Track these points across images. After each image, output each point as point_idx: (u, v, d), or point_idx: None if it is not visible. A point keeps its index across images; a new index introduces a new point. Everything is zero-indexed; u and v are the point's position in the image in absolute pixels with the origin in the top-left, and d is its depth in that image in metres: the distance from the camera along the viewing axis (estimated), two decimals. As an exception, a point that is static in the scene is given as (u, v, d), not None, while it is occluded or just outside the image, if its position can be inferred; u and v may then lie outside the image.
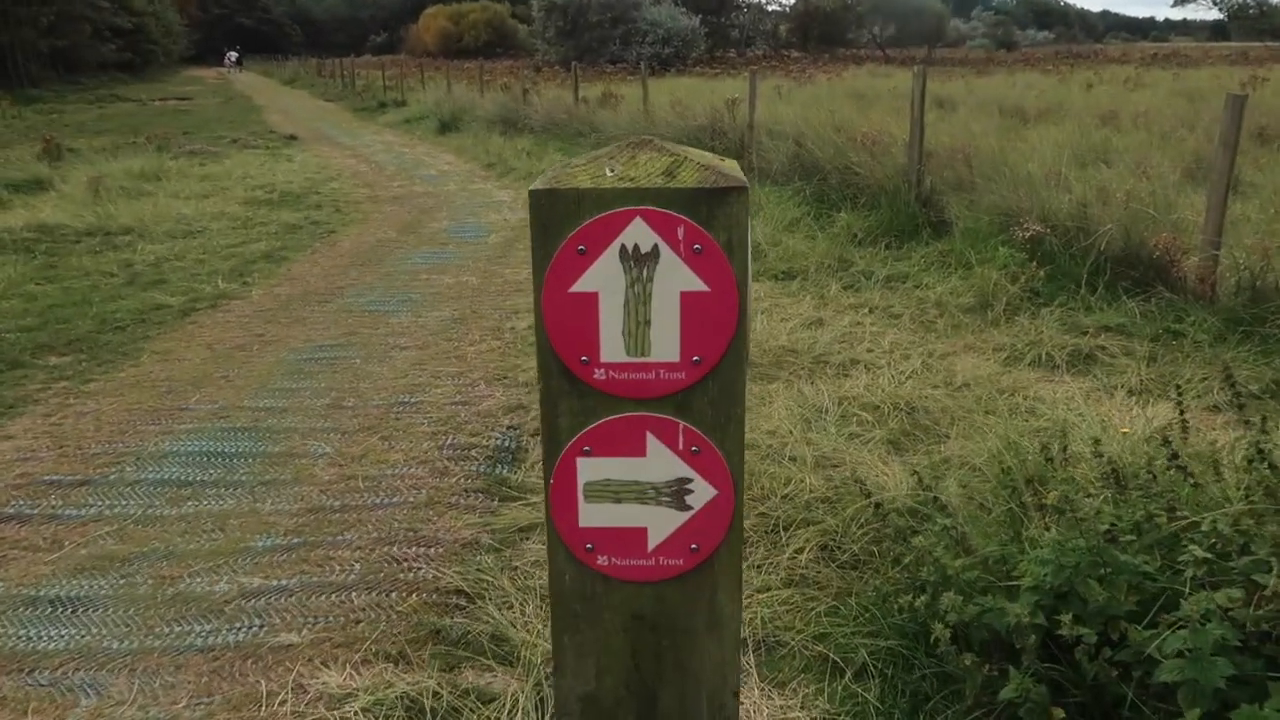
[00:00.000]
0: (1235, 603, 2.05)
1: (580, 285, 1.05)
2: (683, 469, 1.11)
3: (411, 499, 3.52)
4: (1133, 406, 4.33)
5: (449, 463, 3.85)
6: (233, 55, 67.53)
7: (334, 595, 2.86)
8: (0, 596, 2.90)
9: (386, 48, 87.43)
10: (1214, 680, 1.84)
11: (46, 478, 3.73)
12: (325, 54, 68.47)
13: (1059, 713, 2.03)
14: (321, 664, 2.55)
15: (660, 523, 1.13)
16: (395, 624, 2.73)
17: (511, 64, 45.96)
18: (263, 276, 7.32)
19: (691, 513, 1.13)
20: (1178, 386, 3.23)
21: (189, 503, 3.51)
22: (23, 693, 2.46)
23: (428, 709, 2.33)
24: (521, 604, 2.78)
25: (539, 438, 2.28)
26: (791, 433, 4.02)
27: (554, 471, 1.12)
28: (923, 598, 2.51)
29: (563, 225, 1.04)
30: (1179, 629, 1.99)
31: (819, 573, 3.04)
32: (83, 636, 2.68)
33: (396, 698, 2.36)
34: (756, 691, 2.58)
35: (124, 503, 3.50)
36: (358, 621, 2.74)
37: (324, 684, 2.46)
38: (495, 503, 3.51)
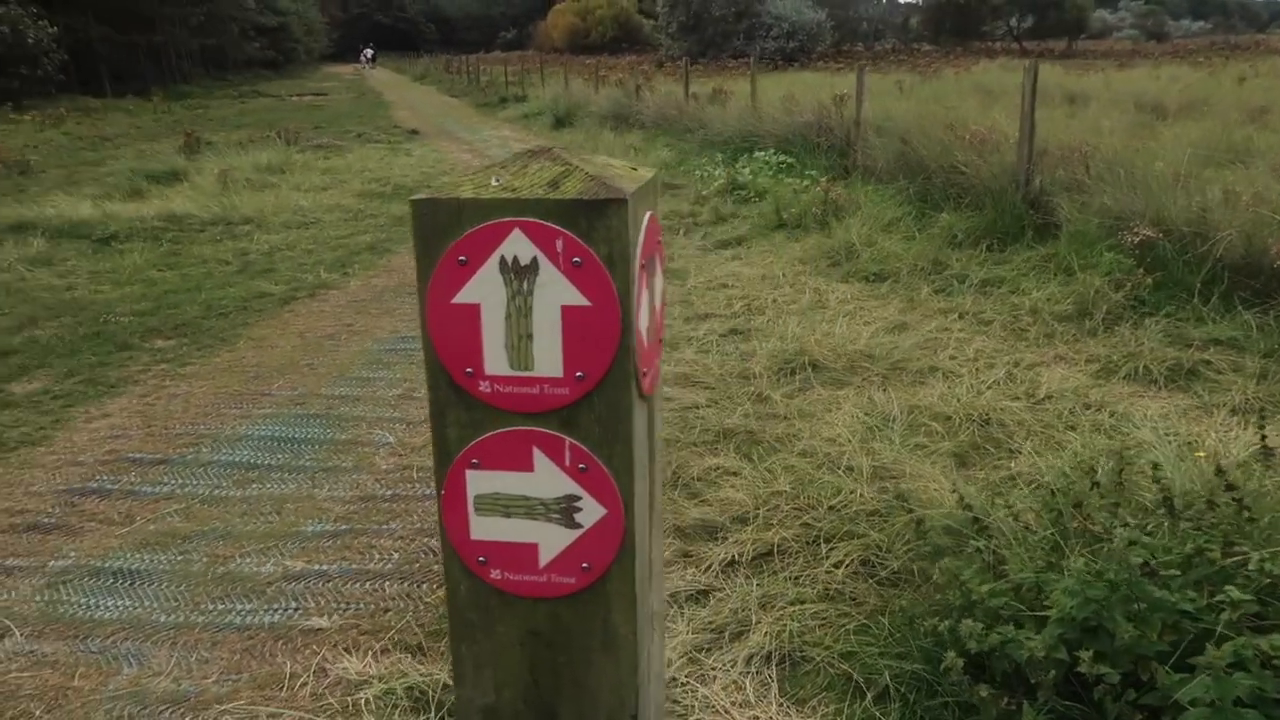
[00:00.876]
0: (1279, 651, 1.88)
1: (462, 296, 1.04)
2: (571, 486, 1.08)
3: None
4: (1233, 427, 4.03)
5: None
6: (368, 52, 70.37)
7: (369, 583, 2.94)
8: (70, 566, 3.10)
9: (516, 44, 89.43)
10: (1235, 733, 1.69)
11: (131, 455, 3.96)
12: (457, 51, 70.54)
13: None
14: (345, 650, 2.62)
15: (551, 539, 1.11)
16: (421, 615, 2.78)
17: (634, 59, 46.27)
18: (363, 267, 7.59)
19: (581, 531, 1.10)
20: (1261, 410, 2.98)
21: (253, 485, 3.67)
22: (73, 657, 2.62)
23: (433, 702, 2.37)
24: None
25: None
26: (850, 441, 3.90)
27: (444, 483, 1.11)
28: (946, 622, 2.40)
29: (444, 235, 1.02)
30: (1206, 674, 1.84)
31: (856, 588, 2.94)
32: (135, 608, 2.84)
33: (406, 689, 2.40)
34: (774, 707, 2.52)
35: (195, 482, 3.69)
36: (386, 610, 2.80)
37: (344, 669, 2.53)
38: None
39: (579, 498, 1.09)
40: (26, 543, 3.25)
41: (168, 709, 2.42)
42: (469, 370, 1.06)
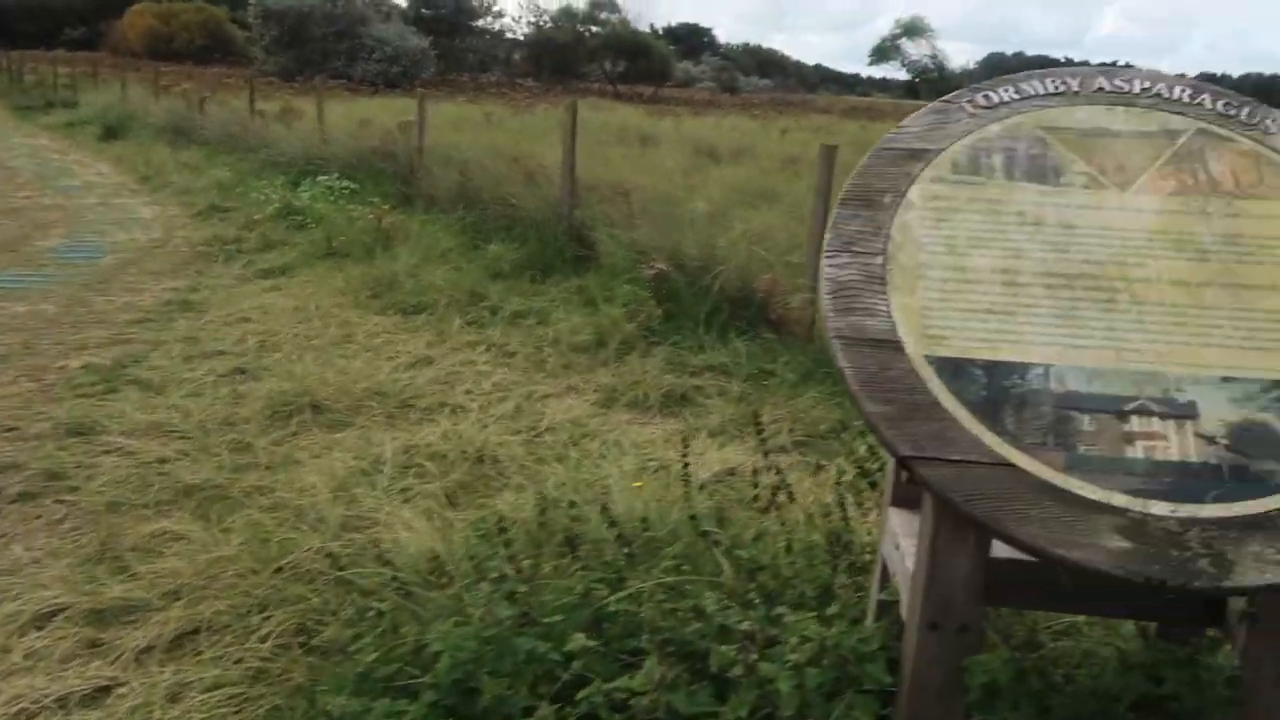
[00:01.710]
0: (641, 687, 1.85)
1: None
2: None
3: None
4: (708, 449, 4.29)
5: None
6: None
7: None
8: None
9: (85, 44, 78.91)
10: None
11: None
12: (8, 44, 60.55)
13: None
14: None
15: None
16: None
17: (224, 71, 42.79)
18: None
19: None
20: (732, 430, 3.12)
21: None
22: None
23: None
24: None
25: None
26: (328, 491, 3.59)
27: None
28: (338, 699, 2.16)
29: None
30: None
31: (282, 663, 2.62)
32: None
33: None
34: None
35: None
36: None
37: None
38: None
39: None
40: None
41: None
42: None
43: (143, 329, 5.92)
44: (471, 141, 11.49)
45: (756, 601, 2.10)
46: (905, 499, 1.99)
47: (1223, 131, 1.91)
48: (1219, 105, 1.95)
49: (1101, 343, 1.69)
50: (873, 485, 2.72)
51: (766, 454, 2.97)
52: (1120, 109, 1.96)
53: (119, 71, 26.88)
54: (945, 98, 2.01)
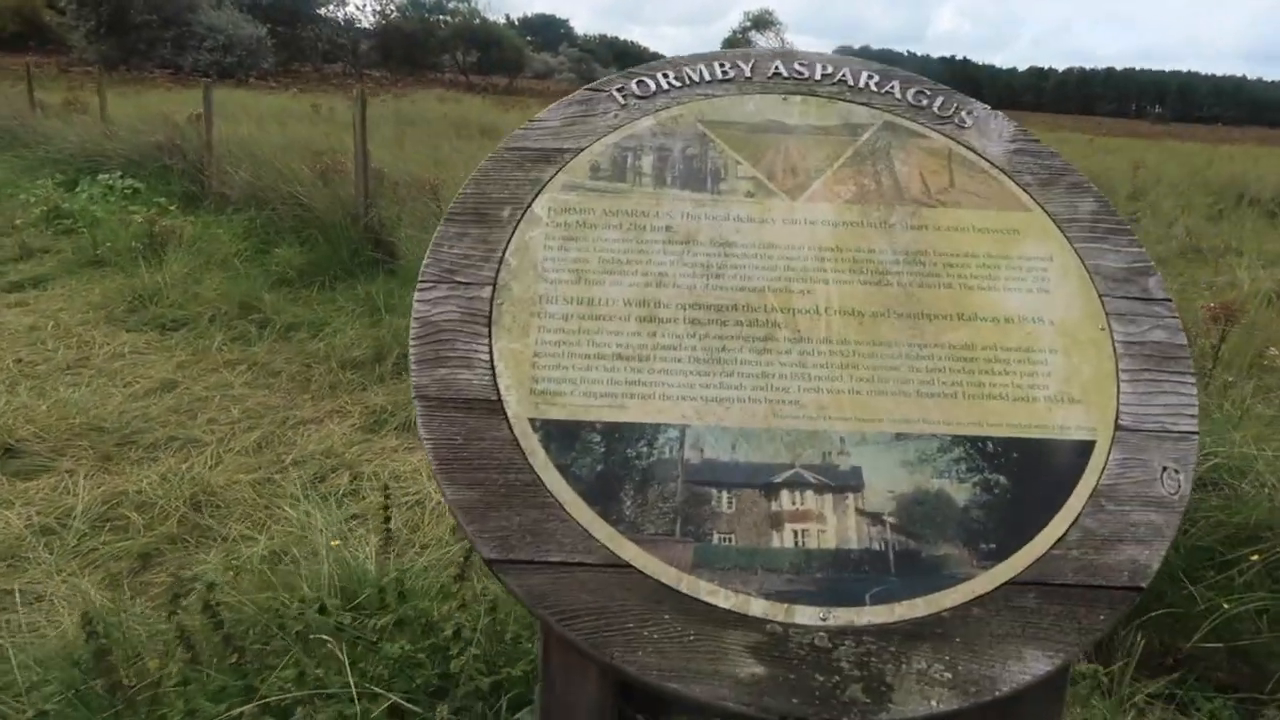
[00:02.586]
0: None
1: None
2: None
3: None
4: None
5: None
6: None
7: None
8: None
9: (-119, 29, 71.70)
10: None
11: None
12: None
13: None
14: None
15: None
16: None
17: (38, 59, 39.52)
18: None
19: None
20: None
21: None
22: None
23: None
24: None
25: None
26: (-19, 560, 2.96)
27: None
28: None
29: None
30: None
31: None
32: None
33: None
34: None
35: None
36: None
37: None
38: None
39: None
40: None
41: None
42: None
43: None
44: (281, 136, 10.66)
45: None
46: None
47: (912, 125, 1.59)
48: (909, 94, 1.62)
49: (752, 394, 1.33)
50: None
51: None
52: (797, 99, 1.61)
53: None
54: (593, 84, 1.62)
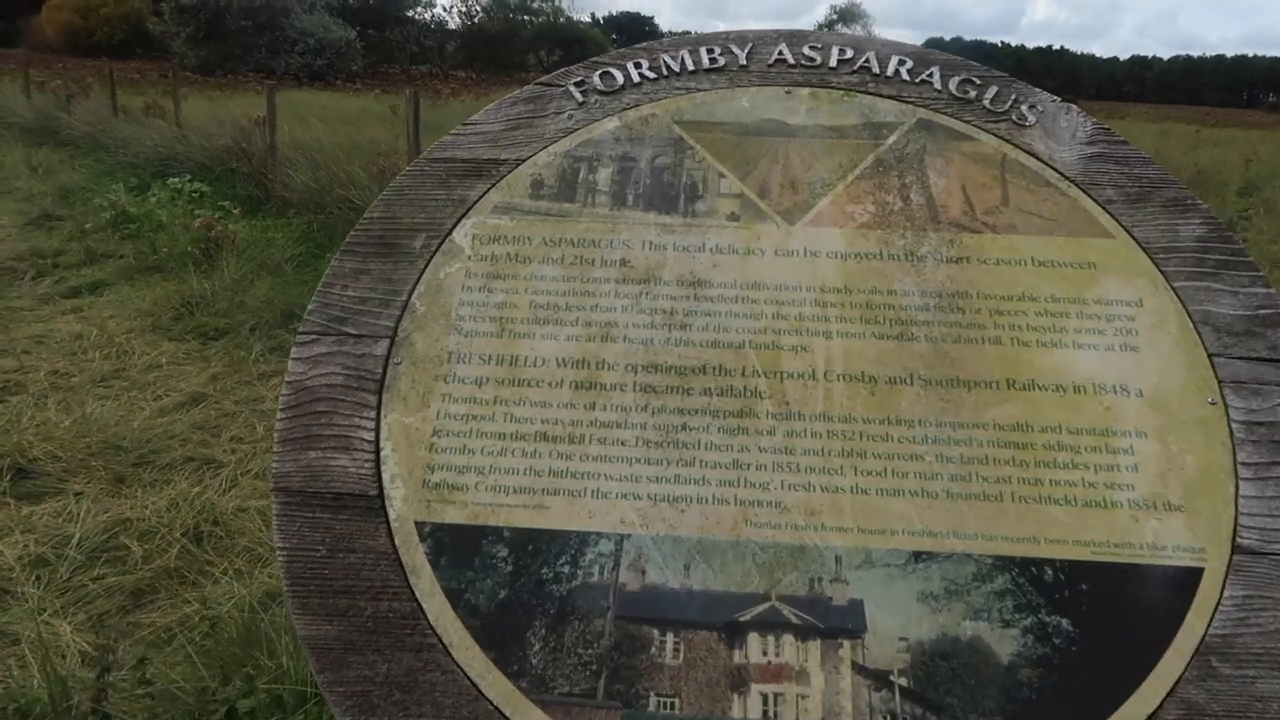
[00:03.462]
0: None
1: None
2: None
3: None
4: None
5: None
6: None
7: None
8: None
9: (3, 40, 75.75)
10: None
11: None
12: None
13: None
14: None
15: None
16: None
17: (143, 65, 41.16)
18: None
19: None
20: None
21: None
22: None
23: None
24: None
25: None
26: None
27: None
28: None
29: None
30: None
31: None
32: None
33: None
34: None
35: None
36: None
37: None
38: None
39: None
40: None
41: None
42: None
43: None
44: (347, 138, 10.61)
45: None
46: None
47: (955, 124, 1.21)
48: (952, 84, 1.24)
49: (719, 491, 0.97)
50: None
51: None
52: (805, 92, 1.24)
53: (24, 68, 25.33)
54: (547, 77, 1.28)
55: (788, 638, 0.91)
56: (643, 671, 0.90)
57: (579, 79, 1.28)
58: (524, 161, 1.20)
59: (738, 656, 0.91)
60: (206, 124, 11.50)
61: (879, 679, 0.89)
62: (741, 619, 0.92)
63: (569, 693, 0.89)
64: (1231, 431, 1.00)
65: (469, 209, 1.16)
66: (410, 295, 1.11)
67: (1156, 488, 0.97)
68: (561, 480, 0.99)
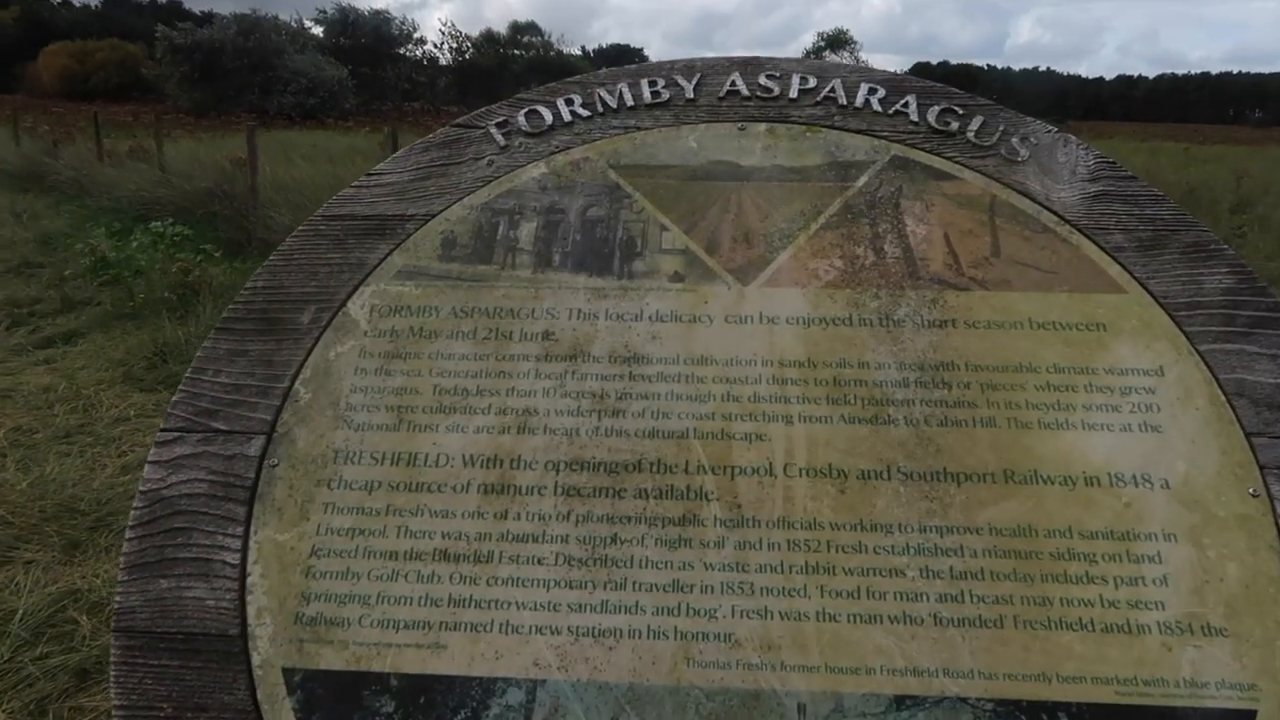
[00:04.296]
0: None
1: None
2: None
3: None
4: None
5: None
6: None
7: None
8: None
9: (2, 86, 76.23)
10: None
11: None
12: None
13: None
14: None
15: None
16: None
17: (134, 108, 41.37)
18: None
19: None
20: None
21: None
22: None
23: None
24: None
25: None
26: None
27: None
28: None
29: None
30: None
31: None
32: None
33: None
34: None
35: None
36: None
37: None
38: None
39: None
40: None
41: None
42: None
43: None
44: (332, 176, 10.50)
45: None
46: None
47: (935, 161, 1.03)
48: (931, 115, 1.07)
49: (655, 622, 0.79)
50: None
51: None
52: (761, 129, 1.07)
53: (14, 114, 25.31)
54: (465, 118, 1.10)
55: (740, 814, 0.72)
56: None
57: (501, 119, 1.11)
58: (434, 217, 1.02)
59: (678, 841, 0.72)
60: (189, 166, 11.39)
61: None
62: (683, 789, 0.74)
63: None
64: (1279, 530, 0.82)
65: (368, 275, 0.99)
66: (294, 381, 0.92)
67: (1192, 606, 0.78)
68: (463, 611, 0.80)
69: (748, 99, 1.10)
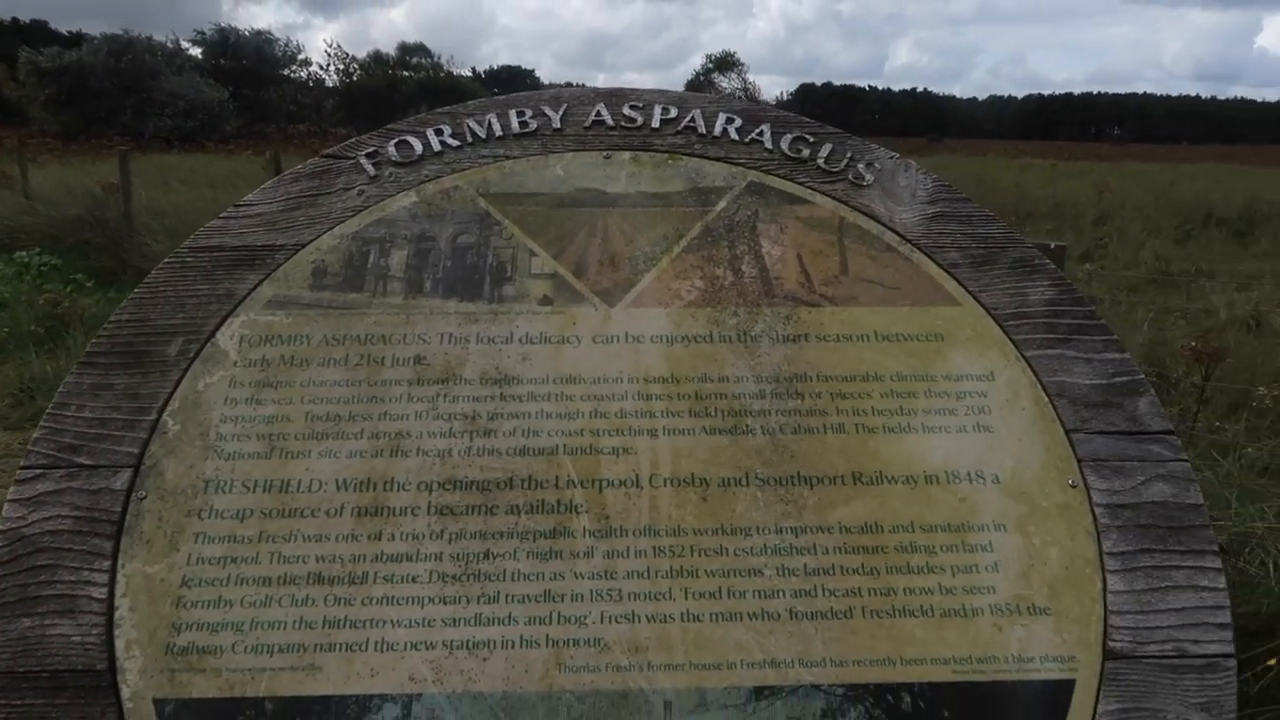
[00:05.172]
0: None
1: None
2: None
3: None
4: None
5: None
6: None
7: None
8: None
9: None
10: None
11: None
12: None
13: None
14: None
15: None
16: None
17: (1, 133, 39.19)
18: None
19: None
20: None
21: None
22: None
23: None
24: None
25: None
26: None
27: None
28: None
29: None
30: None
31: None
32: None
33: None
34: None
35: None
36: None
37: None
38: None
39: None
40: None
41: None
42: None
43: None
44: (212, 202, 10.16)
45: None
46: None
47: (789, 186, 1.10)
48: (785, 143, 1.14)
49: (527, 631, 0.82)
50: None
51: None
52: (625, 157, 1.12)
53: None
54: (334, 148, 1.12)
55: (611, 810, 0.76)
56: None
57: (371, 149, 1.13)
58: (304, 246, 1.04)
59: (552, 840, 0.75)
60: (58, 192, 10.86)
61: None
62: (556, 791, 0.77)
63: None
64: (1095, 517, 0.90)
65: (237, 305, 0.99)
66: (161, 413, 0.92)
67: (1020, 588, 0.86)
68: (338, 632, 0.82)
69: (612, 128, 1.15)
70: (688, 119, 1.16)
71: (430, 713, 0.79)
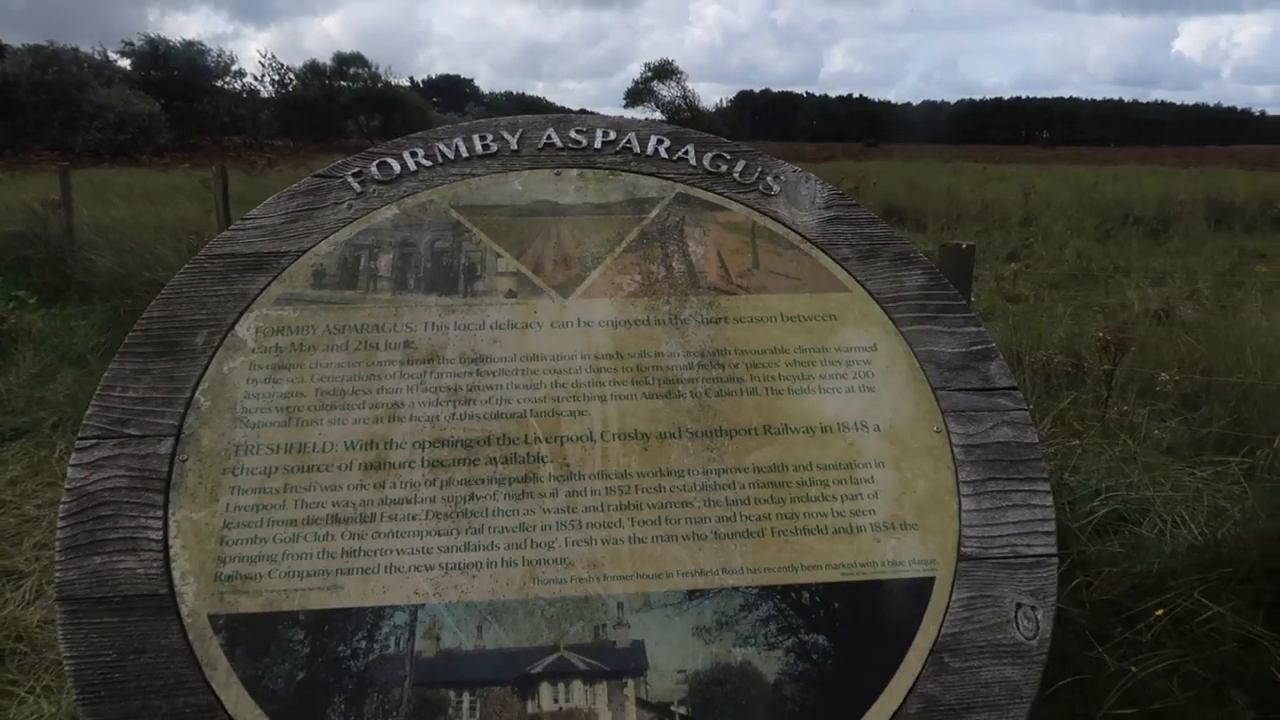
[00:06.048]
0: None
1: None
2: None
3: None
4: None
5: None
6: None
7: None
8: None
9: None
10: None
11: None
12: None
13: None
14: None
15: None
16: None
17: (-85, 149, 37.96)
18: None
19: None
20: None
21: None
22: None
23: None
24: None
25: None
26: None
27: None
28: None
29: None
30: None
31: None
32: None
33: None
34: None
35: None
36: None
37: None
38: None
39: None
40: None
41: None
42: None
43: None
44: (155, 216, 10.13)
45: None
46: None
47: (710, 196, 1.34)
48: (706, 160, 1.37)
49: (507, 554, 1.03)
50: None
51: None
52: (573, 173, 1.35)
53: None
54: (324, 169, 1.33)
55: (576, 683, 0.98)
56: (442, 735, 0.95)
57: (356, 170, 1.34)
58: (305, 252, 1.24)
59: (531, 706, 0.97)
60: (-6, 209, 10.70)
61: (661, 711, 0.97)
62: (532, 671, 0.99)
63: (370, 765, 0.93)
64: (954, 455, 1.15)
65: (251, 302, 1.20)
66: (194, 392, 1.12)
67: (894, 510, 1.10)
68: (354, 560, 1.03)
69: (561, 150, 1.38)
70: (625, 140, 1.39)
71: (432, 618, 1.01)
